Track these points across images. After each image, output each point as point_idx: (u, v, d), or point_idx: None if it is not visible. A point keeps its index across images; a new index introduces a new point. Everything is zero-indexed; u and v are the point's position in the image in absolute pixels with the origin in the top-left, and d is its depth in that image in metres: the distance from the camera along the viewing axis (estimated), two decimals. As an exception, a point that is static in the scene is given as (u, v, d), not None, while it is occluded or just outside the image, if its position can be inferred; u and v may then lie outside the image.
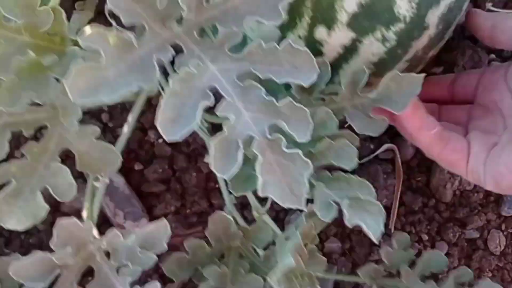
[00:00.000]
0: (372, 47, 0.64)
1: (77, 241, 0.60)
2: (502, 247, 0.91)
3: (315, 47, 0.64)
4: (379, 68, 0.67)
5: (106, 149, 0.63)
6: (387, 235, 0.91)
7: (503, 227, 0.92)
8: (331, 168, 0.67)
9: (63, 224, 0.60)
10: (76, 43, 0.58)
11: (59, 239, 0.60)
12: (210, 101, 0.52)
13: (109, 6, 0.52)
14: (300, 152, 0.52)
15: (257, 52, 0.54)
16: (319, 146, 0.64)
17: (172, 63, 0.57)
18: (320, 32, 0.63)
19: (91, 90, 0.50)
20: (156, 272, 0.87)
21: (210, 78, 0.53)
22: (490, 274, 0.91)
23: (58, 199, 0.62)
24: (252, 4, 0.54)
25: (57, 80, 0.59)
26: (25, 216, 0.61)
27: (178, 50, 0.56)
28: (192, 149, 0.92)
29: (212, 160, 0.51)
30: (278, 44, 0.54)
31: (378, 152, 0.91)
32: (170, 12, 0.54)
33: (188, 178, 0.91)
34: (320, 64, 0.63)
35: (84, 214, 0.68)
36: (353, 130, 0.68)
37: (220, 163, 0.51)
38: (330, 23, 0.62)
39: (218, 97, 0.54)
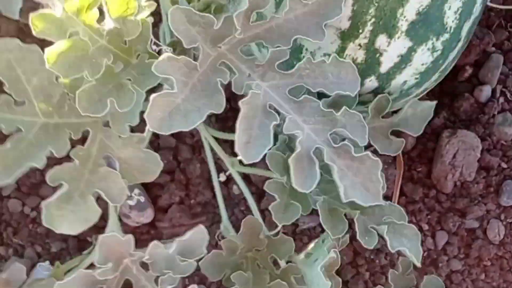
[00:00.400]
0: (423, 56, 0.67)
1: (117, 255, 0.61)
2: (501, 237, 0.93)
3: (374, 57, 0.66)
4: (422, 77, 0.71)
5: (149, 157, 0.63)
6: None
7: (502, 217, 0.94)
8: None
9: (105, 240, 0.60)
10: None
11: (101, 255, 0.60)
12: (277, 120, 0.56)
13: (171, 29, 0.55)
14: (369, 153, 0.57)
15: (305, 66, 0.58)
16: None
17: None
18: (381, 41, 0.65)
19: (166, 119, 0.54)
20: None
21: (264, 95, 0.57)
22: (489, 263, 0.93)
23: (110, 203, 0.62)
24: (295, 23, 0.58)
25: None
26: (77, 220, 0.61)
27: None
28: (196, 141, 0.93)
29: (293, 177, 0.55)
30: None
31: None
32: (223, 32, 0.57)
33: (192, 169, 0.92)
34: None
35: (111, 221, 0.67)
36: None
37: (300, 179, 0.56)
38: (391, 31, 0.64)
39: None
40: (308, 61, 0.58)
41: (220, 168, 0.88)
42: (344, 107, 0.57)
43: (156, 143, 0.93)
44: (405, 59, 0.67)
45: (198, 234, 0.62)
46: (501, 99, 0.97)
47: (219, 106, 0.56)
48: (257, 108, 0.56)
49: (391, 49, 0.66)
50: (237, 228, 0.75)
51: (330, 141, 0.57)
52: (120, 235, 0.61)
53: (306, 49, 0.67)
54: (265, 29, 0.58)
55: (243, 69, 0.58)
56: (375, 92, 0.70)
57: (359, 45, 0.65)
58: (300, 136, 0.56)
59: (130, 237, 0.61)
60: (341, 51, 0.66)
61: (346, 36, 0.65)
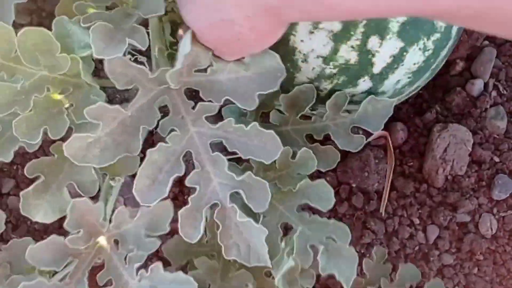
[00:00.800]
0: (415, 56, 0.69)
1: (88, 224, 0.63)
2: (494, 231, 0.93)
3: (367, 58, 0.67)
4: (415, 75, 0.72)
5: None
6: (378, 219, 0.93)
7: (494, 211, 0.94)
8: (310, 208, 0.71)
9: (76, 204, 0.63)
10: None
11: (71, 220, 0.63)
12: (181, 172, 0.60)
13: (105, 70, 0.58)
14: (251, 220, 0.59)
15: (229, 125, 0.60)
16: (300, 185, 0.68)
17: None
18: (373, 42, 0.66)
19: (82, 155, 0.58)
20: (156, 255, 0.90)
21: (188, 141, 0.60)
22: (481, 257, 0.93)
23: (82, 194, 0.66)
24: (234, 85, 0.61)
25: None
26: (52, 209, 0.66)
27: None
28: (189, 137, 0.94)
29: (180, 227, 0.59)
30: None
31: (369, 139, 0.92)
32: (161, 80, 0.60)
33: (186, 165, 0.94)
34: (307, 88, 0.71)
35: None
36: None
37: (187, 231, 0.59)
38: (382, 32, 0.65)
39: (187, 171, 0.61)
40: (230, 122, 0.60)
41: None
42: (248, 172, 0.59)
43: (150, 140, 0.94)
44: (397, 59, 0.68)
45: (164, 208, 0.64)
46: (494, 93, 0.97)
47: (135, 151, 0.59)
48: (173, 153, 0.59)
49: (383, 50, 0.67)
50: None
51: (227, 199, 0.59)
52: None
53: (299, 51, 0.68)
54: (207, 79, 0.61)
55: (181, 110, 0.61)
56: (369, 92, 0.71)
57: (352, 46, 0.66)
58: (199, 191, 0.59)
59: (101, 204, 0.65)
60: (334, 53, 0.67)
61: (339, 38, 0.65)
